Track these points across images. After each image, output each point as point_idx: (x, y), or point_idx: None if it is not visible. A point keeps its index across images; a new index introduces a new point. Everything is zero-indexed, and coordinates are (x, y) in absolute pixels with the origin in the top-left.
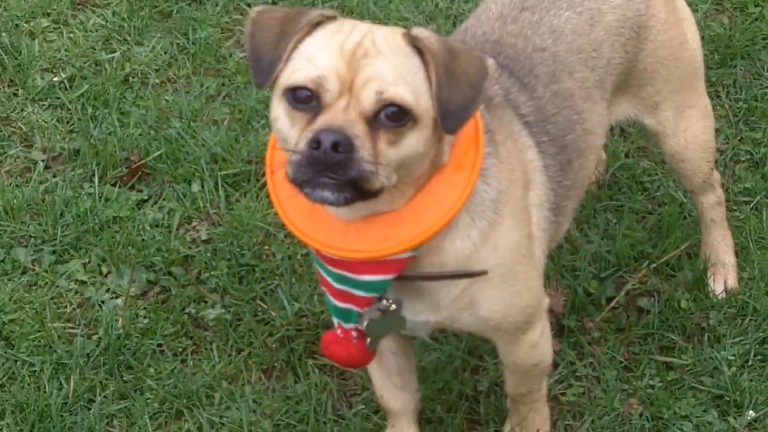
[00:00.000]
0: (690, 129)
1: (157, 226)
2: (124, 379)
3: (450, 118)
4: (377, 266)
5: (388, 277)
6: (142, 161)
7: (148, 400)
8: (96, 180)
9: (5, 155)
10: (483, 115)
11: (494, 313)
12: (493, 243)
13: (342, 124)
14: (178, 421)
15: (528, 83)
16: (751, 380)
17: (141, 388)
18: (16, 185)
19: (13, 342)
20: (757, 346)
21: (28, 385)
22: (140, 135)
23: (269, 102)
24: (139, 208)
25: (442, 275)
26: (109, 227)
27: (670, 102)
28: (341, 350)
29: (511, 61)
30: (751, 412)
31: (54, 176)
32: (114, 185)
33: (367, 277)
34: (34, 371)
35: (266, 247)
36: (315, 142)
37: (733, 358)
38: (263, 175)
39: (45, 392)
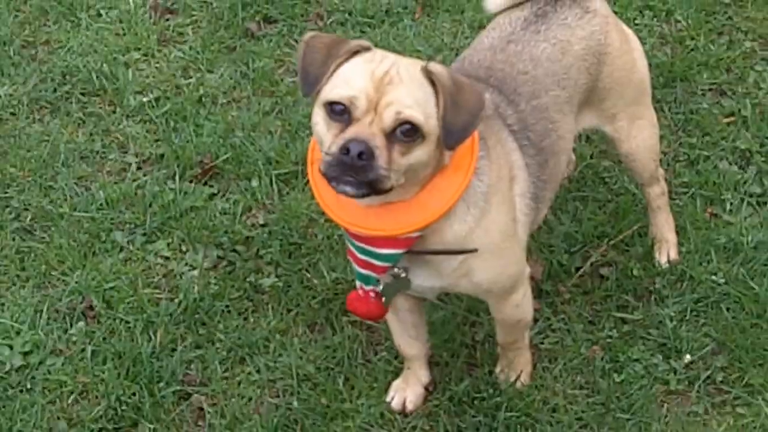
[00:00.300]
0: (640, 135)
1: (224, 213)
2: (199, 333)
3: (451, 137)
4: (392, 242)
5: (400, 251)
6: (213, 163)
7: (218, 349)
8: (177, 178)
9: (106, 159)
10: (479, 127)
11: (486, 280)
12: (484, 226)
13: (367, 137)
14: (242, 365)
15: (513, 100)
16: (688, 331)
17: (212, 340)
18: (115, 182)
19: (112, 305)
20: (692, 305)
21: (125, 338)
22: (211, 142)
23: (312, 111)
24: (211, 200)
25: (444, 251)
26: (187, 214)
27: (624, 114)
28: (362, 306)
29: (500, 83)
30: (687, 356)
31: (144, 175)
32: (191, 182)
33: (383, 251)
34: (129, 327)
35: (310, 230)
36: (345, 150)
37: (673, 314)
38: (307, 173)
39: (138, 343)
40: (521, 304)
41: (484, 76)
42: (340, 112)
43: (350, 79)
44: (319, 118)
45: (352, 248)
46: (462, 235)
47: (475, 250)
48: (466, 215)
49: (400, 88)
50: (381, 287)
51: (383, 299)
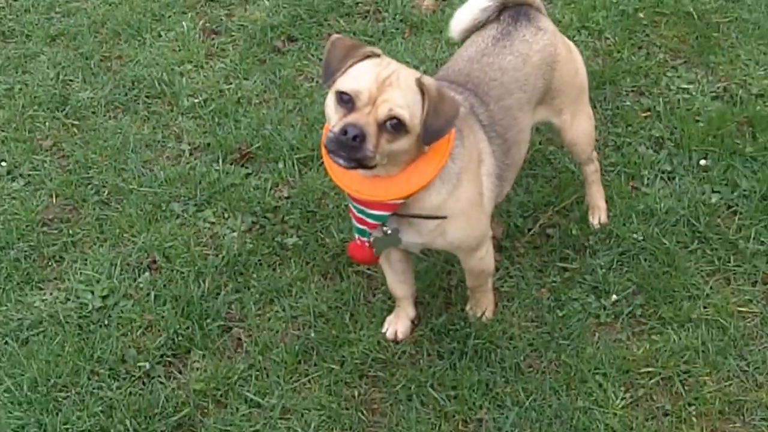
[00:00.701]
0: (580, 126)
1: (257, 188)
2: (238, 280)
3: (428, 136)
4: (381, 206)
5: (387, 213)
6: (248, 149)
7: (252, 293)
8: (220, 161)
9: (165, 147)
10: (451, 129)
11: (456, 239)
12: (456, 197)
13: (363, 124)
14: (271, 305)
15: (485, 101)
16: (614, 277)
17: (248, 286)
18: (172, 165)
19: (171, 259)
20: (618, 257)
21: (180, 285)
22: (246, 134)
23: (327, 96)
24: (246, 178)
25: (422, 215)
26: (228, 190)
27: (568, 109)
28: (358, 252)
29: (475, 87)
30: (614, 296)
31: (195, 159)
32: (231, 164)
33: (375, 212)
34: (183, 277)
35: (323, 201)
36: (344, 131)
37: (603, 264)
38: (321, 157)
39: (190, 289)
40: (485, 258)
41: (463, 81)
42: (347, 101)
43: (359, 77)
44: (330, 101)
45: (352, 208)
46: (437, 204)
47: (444, 217)
48: (441, 189)
49: (396, 91)
50: (372, 240)
51: (375, 249)
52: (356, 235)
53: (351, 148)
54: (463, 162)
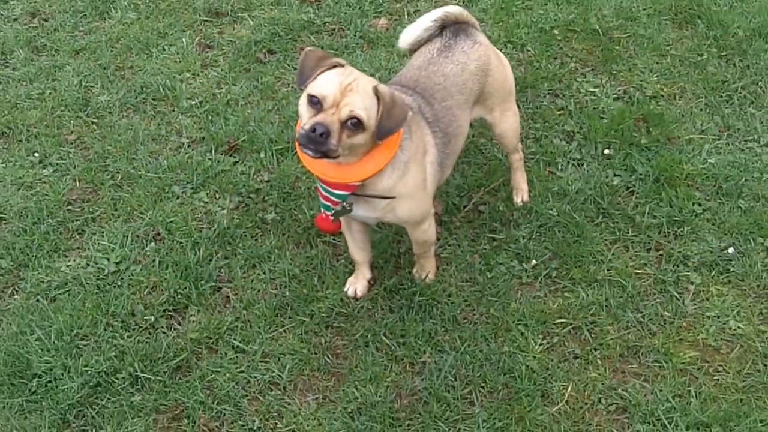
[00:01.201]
0: (507, 121)
1: (242, 174)
2: (227, 249)
3: (381, 134)
4: (342, 186)
5: (346, 193)
6: (236, 142)
7: (238, 260)
8: (213, 152)
9: (168, 140)
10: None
11: (404, 215)
12: (404, 182)
13: (328, 123)
14: (254, 269)
15: (430, 102)
16: (534, 245)
17: (235, 254)
18: (174, 155)
19: (172, 232)
20: (537, 229)
21: (179, 253)
22: (235, 129)
23: (300, 98)
24: (234, 165)
25: (375, 195)
26: (219, 175)
27: (498, 107)
28: (324, 224)
29: (422, 90)
30: (533, 261)
31: (192, 150)
32: (221, 154)
33: (337, 191)
34: (182, 246)
35: (296, 184)
36: (313, 129)
37: (525, 234)
38: (295, 149)
39: (188, 256)
40: (428, 231)
41: (413, 86)
42: (315, 103)
43: (326, 83)
44: (302, 102)
45: (319, 188)
46: (389, 187)
47: (394, 197)
48: (392, 174)
49: (356, 96)
50: (333, 212)
51: (333, 218)
52: (322, 210)
53: (318, 142)
54: (411, 152)
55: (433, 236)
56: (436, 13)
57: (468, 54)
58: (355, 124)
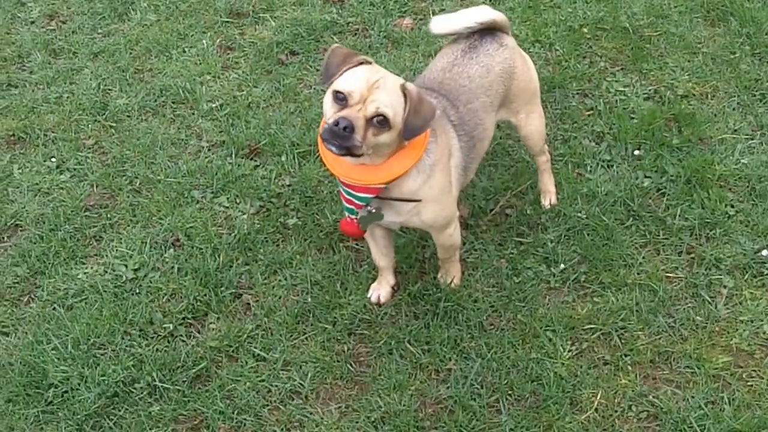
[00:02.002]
0: (533, 123)
1: (263, 178)
2: (247, 255)
3: (408, 133)
4: (366, 189)
5: (371, 196)
6: (257, 146)
7: (259, 266)
8: (233, 156)
9: (188, 144)
10: (428, 128)
11: (429, 219)
12: (429, 184)
13: (353, 118)
14: (275, 275)
15: (455, 104)
16: (562, 249)
17: (255, 259)
18: (193, 159)
19: (192, 238)
20: (565, 232)
21: (199, 259)
22: (256, 132)
23: (325, 95)
24: (255, 169)
25: (400, 199)
26: (239, 179)
27: (523, 109)
28: (348, 228)
29: (447, 93)
30: (562, 265)
31: (212, 154)
32: (242, 158)
33: (361, 194)
34: (202, 252)
35: (318, 188)
36: (336, 122)
37: (553, 238)
38: (317, 151)
39: (207, 262)
40: (453, 235)
41: (437, 88)
42: (341, 99)
43: (352, 79)
44: (327, 99)
45: (342, 191)
46: (413, 190)
47: (419, 200)
48: (417, 177)
49: (382, 93)
50: (359, 217)
51: (360, 225)
52: (346, 214)
53: (342, 137)
54: (436, 156)
55: (459, 240)
56: (484, 16)
57: (493, 56)
58: (381, 121)
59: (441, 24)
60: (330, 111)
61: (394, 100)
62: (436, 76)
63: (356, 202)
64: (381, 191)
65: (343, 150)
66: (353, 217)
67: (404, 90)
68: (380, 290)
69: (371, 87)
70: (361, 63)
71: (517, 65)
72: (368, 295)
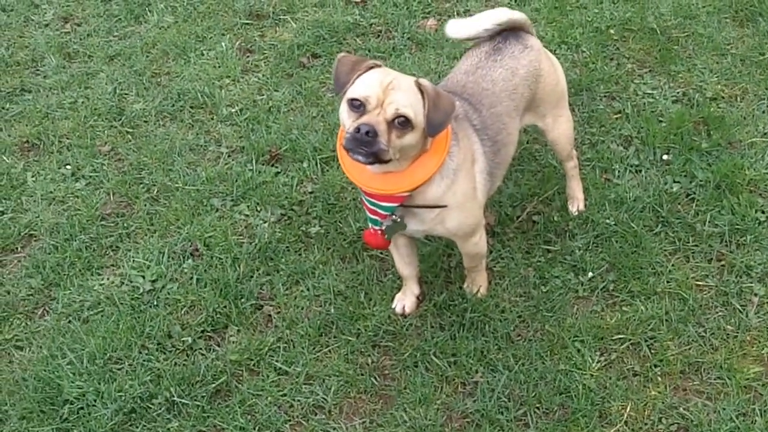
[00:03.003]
0: (560, 128)
1: (285, 185)
2: (268, 264)
3: (432, 128)
4: (390, 198)
5: (395, 204)
6: (278, 151)
7: (281, 276)
8: (254, 162)
9: (207, 150)
10: (452, 125)
11: (454, 227)
12: (453, 190)
13: (374, 123)
14: (297, 285)
15: (478, 108)
16: (590, 257)
17: (277, 269)
18: (212, 166)
19: (211, 247)
20: (593, 239)
21: (219, 269)
22: (276, 138)
23: (339, 105)
24: (276, 176)
25: (425, 206)
26: (260, 186)
27: (550, 113)
28: (372, 239)
29: (470, 96)
30: (590, 273)
31: (232, 160)
32: (263, 164)
33: (384, 203)
34: (222, 262)
35: (341, 195)
36: (358, 130)
37: (581, 245)
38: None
39: (227, 273)
40: (479, 243)
41: (460, 91)
42: (357, 106)
43: (366, 85)
44: (343, 109)
45: (365, 201)
46: (437, 196)
47: (445, 206)
48: (441, 183)
49: (399, 93)
50: (384, 227)
51: (386, 235)
52: (370, 224)
53: (366, 143)
54: (459, 160)
55: (485, 249)
56: (502, 17)
57: (518, 58)
58: (402, 122)
59: (457, 28)
60: (348, 120)
61: (411, 98)
62: (459, 80)
63: (380, 212)
64: (405, 199)
65: (371, 157)
66: (377, 227)
67: (419, 86)
68: (405, 300)
69: (386, 89)
70: (371, 67)
71: (544, 67)
72: (393, 306)
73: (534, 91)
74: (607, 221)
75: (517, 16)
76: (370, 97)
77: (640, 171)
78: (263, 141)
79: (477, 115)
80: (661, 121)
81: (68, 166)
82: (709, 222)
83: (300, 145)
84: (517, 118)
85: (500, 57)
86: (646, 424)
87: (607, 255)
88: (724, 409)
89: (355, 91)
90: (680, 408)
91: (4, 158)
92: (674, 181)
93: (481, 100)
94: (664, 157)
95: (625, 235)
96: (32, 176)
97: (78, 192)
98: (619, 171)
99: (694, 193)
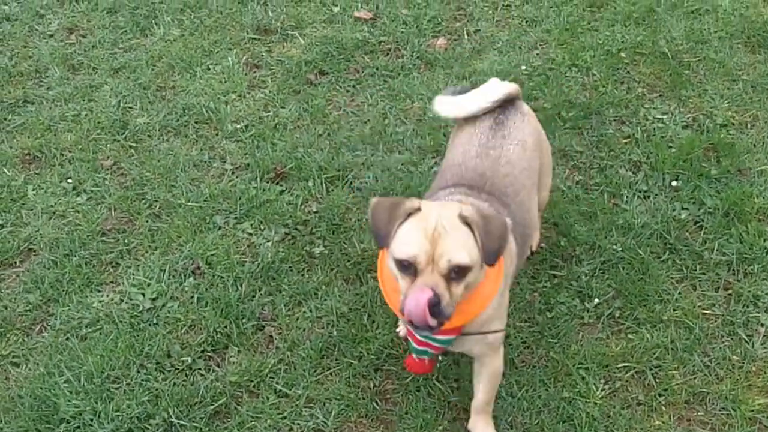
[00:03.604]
0: (545, 193)
1: (289, 204)
2: (271, 284)
3: (490, 258)
4: (449, 332)
5: (453, 336)
6: (283, 169)
7: (283, 296)
8: (258, 179)
9: (211, 166)
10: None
11: (494, 341)
12: (499, 313)
13: (433, 286)
14: (299, 306)
15: (504, 201)
16: (596, 283)
17: (279, 290)
18: (216, 183)
19: (213, 266)
20: (600, 265)
21: (220, 288)
22: (282, 155)
23: (386, 257)
24: (281, 195)
25: (481, 333)
26: (264, 205)
27: (545, 184)
28: (418, 368)
29: (491, 187)
30: (596, 299)
31: (236, 177)
32: (267, 182)
33: (441, 337)
34: (223, 281)
35: (346, 215)
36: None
37: (587, 271)
38: (345, 177)
39: (229, 292)
40: (501, 356)
41: (481, 184)
42: (407, 266)
43: (410, 241)
44: (393, 267)
45: (415, 334)
46: (486, 320)
47: (502, 330)
48: (493, 303)
49: (447, 240)
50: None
51: (434, 362)
52: (415, 354)
53: (433, 314)
54: (505, 272)
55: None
56: (497, 94)
57: (522, 129)
58: (459, 270)
59: (450, 109)
60: (402, 282)
61: (461, 239)
62: (475, 166)
63: (435, 345)
64: (462, 329)
65: (437, 326)
66: (427, 357)
67: (465, 219)
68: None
69: (432, 239)
70: (410, 213)
71: (541, 132)
72: (396, 330)
73: (541, 162)
74: (614, 247)
75: (511, 88)
76: (419, 257)
77: (649, 197)
78: (268, 158)
79: (507, 211)
80: (670, 147)
81: (69, 180)
82: (716, 250)
83: (305, 164)
84: (535, 198)
85: (506, 131)
86: None
87: (613, 281)
88: None
89: (400, 251)
90: None
91: (5, 170)
92: (683, 208)
93: (505, 190)
94: (673, 183)
95: (632, 262)
96: (33, 189)
97: (79, 206)
98: (627, 196)
99: (703, 221)
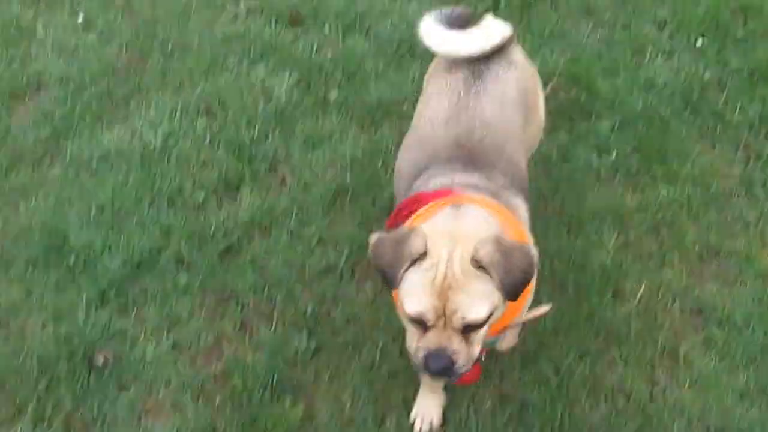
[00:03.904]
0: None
1: (304, 49)
2: (284, 128)
3: (512, 294)
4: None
5: (495, 338)
6: (298, 14)
7: (297, 140)
8: (273, 23)
9: (224, 9)
10: (496, 201)
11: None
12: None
13: (445, 346)
14: (313, 150)
15: (491, 165)
16: (615, 138)
17: (293, 133)
18: (230, 25)
19: (225, 108)
20: (620, 121)
21: (232, 130)
22: (297, 1)
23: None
24: (295, 40)
25: (527, 319)
26: (278, 49)
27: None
28: (466, 378)
29: (475, 158)
30: (614, 154)
31: (250, 21)
32: (282, 26)
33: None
34: (236, 122)
35: (363, 63)
36: (428, 367)
37: (606, 127)
38: (362, 26)
39: (241, 134)
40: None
41: (460, 154)
42: (417, 320)
43: (418, 295)
44: (402, 315)
45: None
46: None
47: (548, 309)
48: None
49: (459, 294)
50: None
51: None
52: None
53: (446, 370)
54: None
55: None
56: (498, 38)
57: (505, 80)
58: (474, 326)
59: (441, 44)
60: (411, 334)
61: (477, 291)
62: (446, 135)
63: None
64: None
65: (454, 380)
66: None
67: (479, 262)
68: None
69: (442, 292)
70: (416, 260)
71: (533, 82)
72: None
73: (526, 117)
74: (635, 104)
75: (509, 33)
76: (428, 313)
77: (673, 56)
78: (283, 2)
79: (499, 173)
80: (698, 6)
81: (80, 18)
82: (738, 111)
83: (321, 8)
84: (523, 150)
85: (483, 86)
86: (659, 304)
87: (632, 138)
88: (739, 295)
89: (409, 306)
90: (695, 291)
91: (14, 5)
92: (706, 68)
93: (488, 157)
94: (698, 43)
95: (653, 120)
96: (42, 26)
97: (89, 44)
98: (651, 54)
99: (726, 82)
